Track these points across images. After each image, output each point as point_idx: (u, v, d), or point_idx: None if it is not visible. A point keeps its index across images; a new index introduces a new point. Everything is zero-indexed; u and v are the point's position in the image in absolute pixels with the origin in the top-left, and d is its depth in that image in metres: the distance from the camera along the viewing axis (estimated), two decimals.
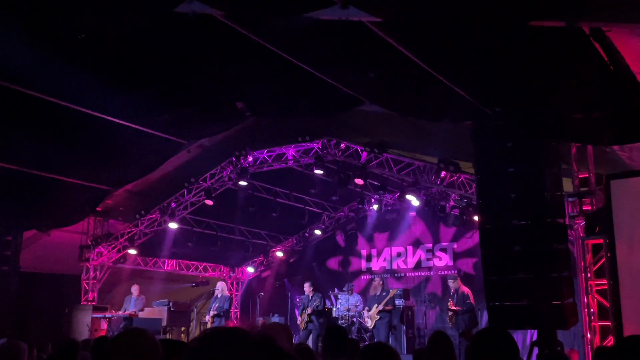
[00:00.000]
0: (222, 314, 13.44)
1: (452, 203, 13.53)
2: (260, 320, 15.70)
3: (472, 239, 14.73)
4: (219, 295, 13.49)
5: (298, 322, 14.01)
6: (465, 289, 12.60)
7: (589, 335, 8.98)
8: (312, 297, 13.73)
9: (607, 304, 8.75)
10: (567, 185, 9.23)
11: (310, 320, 13.51)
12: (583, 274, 9.18)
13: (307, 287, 14.09)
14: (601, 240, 8.96)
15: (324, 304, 13.98)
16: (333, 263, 17.84)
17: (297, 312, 14.52)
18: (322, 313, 13.71)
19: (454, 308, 12.35)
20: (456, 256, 15.69)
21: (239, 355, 1.31)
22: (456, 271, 15.27)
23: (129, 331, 2.80)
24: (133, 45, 7.59)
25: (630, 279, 8.28)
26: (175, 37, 7.32)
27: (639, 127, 7.19)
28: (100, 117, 9.78)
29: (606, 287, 8.79)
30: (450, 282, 12.83)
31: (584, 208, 9.27)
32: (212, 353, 1.32)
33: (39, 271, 14.44)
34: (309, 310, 13.54)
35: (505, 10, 5.62)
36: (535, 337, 8.06)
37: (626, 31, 5.73)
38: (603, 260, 8.93)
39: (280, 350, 1.36)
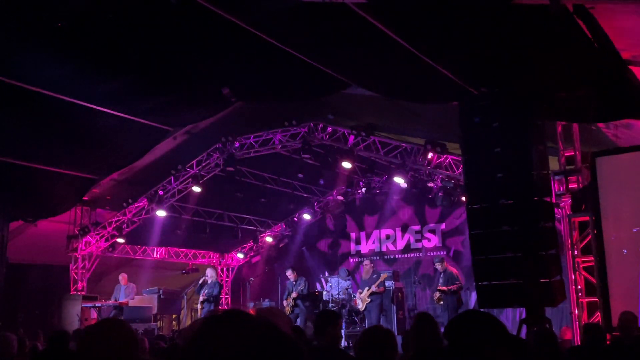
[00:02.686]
0: (211, 299, 13.45)
1: (439, 184, 13.58)
2: (251, 305, 15.74)
3: (460, 218, 14.82)
4: (208, 281, 13.49)
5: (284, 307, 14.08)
6: (454, 270, 12.68)
7: (576, 311, 9.08)
8: (296, 281, 13.77)
9: (594, 281, 8.85)
10: (554, 163, 9.28)
11: (295, 305, 13.58)
12: (570, 252, 9.27)
13: (289, 273, 14.14)
14: (587, 218, 9.04)
15: (309, 287, 14.02)
16: (323, 247, 17.89)
17: (284, 301, 14.56)
18: (308, 297, 13.77)
19: (440, 288, 12.43)
20: (445, 236, 15.79)
21: (246, 339, 1.28)
22: (444, 252, 15.39)
23: (104, 322, 2.77)
24: (115, 32, 7.50)
25: (616, 254, 8.37)
26: (158, 22, 7.24)
27: (624, 104, 7.23)
28: (84, 105, 9.67)
29: (593, 264, 8.88)
30: (437, 264, 12.90)
31: (570, 186, 9.33)
32: (217, 340, 1.29)
33: (27, 262, 14.37)
34: (294, 295, 13.60)
35: None
36: (524, 315, 8.14)
37: (610, 8, 5.73)
38: (590, 237, 9.01)
39: (285, 335, 1.33)
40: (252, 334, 1.29)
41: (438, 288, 12.52)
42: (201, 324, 1.33)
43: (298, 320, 13.51)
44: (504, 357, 2.34)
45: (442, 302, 12.38)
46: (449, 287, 12.31)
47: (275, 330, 1.31)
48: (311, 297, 14.16)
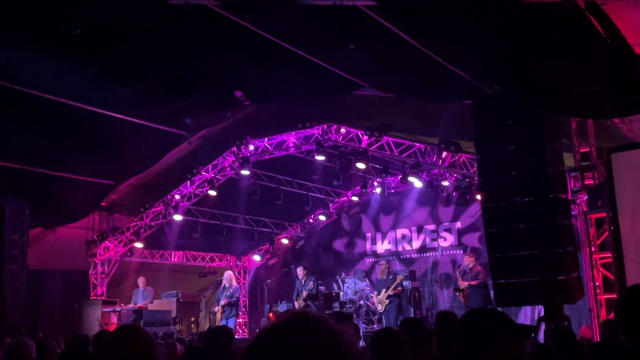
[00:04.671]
0: (232, 303, 13.53)
1: (454, 183, 13.54)
2: (267, 308, 15.78)
3: (475, 216, 14.76)
4: (227, 285, 13.55)
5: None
6: (479, 267, 12.54)
7: (595, 308, 9.03)
8: (305, 281, 13.74)
9: (612, 277, 8.79)
10: (569, 160, 9.23)
11: (306, 305, 13.56)
12: (587, 248, 9.22)
13: (300, 271, 14.06)
14: (604, 214, 8.98)
15: (317, 286, 13.99)
16: (338, 247, 17.90)
17: (296, 303, 14.54)
18: (317, 296, 13.74)
19: (463, 283, 12.31)
20: (460, 234, 15.73)
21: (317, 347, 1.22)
22: (461, 250, 15.33)
23: (123, 327, 2.82)
24: (129, 39, 7.59)
25: (633, 251, 8.31)
26: (170, 28, 7.32)
27: (637, 99, 7.18)
28: (100, 112, 9.79)
29: (610, 260, 8.82)
30: (465, 259, 12.82)
31: (586, 182, 9.27)
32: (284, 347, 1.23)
33: (47, 268, 14.52)
34: (305, 294, 13.60)
35: None
36: (543, 313, 8.11)
37: (621, 4, 5.71)
38: (607, 233, 8.96)
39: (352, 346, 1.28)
40: (323, 342, 1.24)
41: (460, 283, 12.39)
42: (270, 328, 1.29)
43: None
44: (515, 345, 2.37)
45: (465, 299, 12.23)
46: (471, 282, 12.18)
47: (346, 338, 1.26)
48: (324, 297, 14.14)
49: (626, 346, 2.70)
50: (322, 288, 14.86)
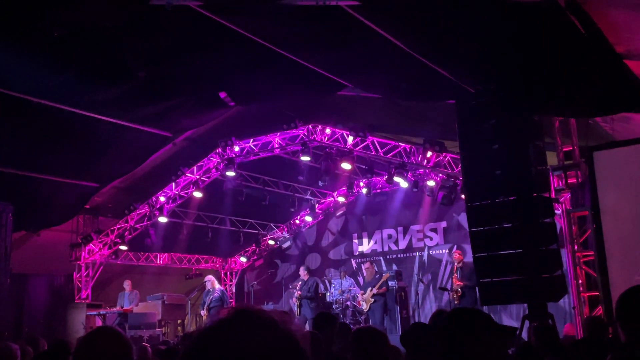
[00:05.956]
0: (218, 306, 13.50)
1: (439, 183, 13.60)
2: None
3: (460, 214, 14.84)
4: (210, 289, 13.51)
5: (293, 310, 14.08)
6: (472, 265, 12.50)
7: (578, 306, 9.11)
8: (306, 281, 13.79)
9: (594, 275, 8.87)
10: (552, 158, 9.31)
11: (301, 305, 13.59)
12: (570, 246, 9.29)
13: (302, 271, 14.10)
14: (587, 212, 9.07)
15: (316, 288, 14.02)
16: (325, 248, 17.91)
17: (291, 301, 14.55)
18: (315, 298, 13.77)
19: (459, 282, 12.28)
20: (446, 232, 15.79)
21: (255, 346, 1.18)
22: (446, 249, 15.39)
23: (98, 330, 2.75)
24: (111, 40, 7.55)
25: (615, 248, 8.39)
26: (153, 30, 7.29)
27: (619, 98, 7.26)
28: (83, 114, 9.74)
29: (593, 258, 8.90)
30: (454, 256, 12.84)
31: (569, 181, 9.36)
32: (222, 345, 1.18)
33: (31, 272, 14.39)
34: (298, 294, 13.62)
35: None
36: (527, 311, 8.16)
37: (602, 3, 5.77)
38: (589, 231, 9.04)
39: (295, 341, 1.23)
40: (263, 339, 1.19)
41: (455, 283, 12.33)
42: (209, 326, 1.23)
43: (307, 323, 13.53)
44: (496, 346, 2.38)
45: (464, 298, 12.12)
46: (466, 282, 12.11)
47: (289, 334, 1.22)
48: (319, 299, 14.17)
49: (618, 343, 2.75)
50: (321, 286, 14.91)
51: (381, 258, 16.71)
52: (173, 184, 14.29)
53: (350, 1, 5.91)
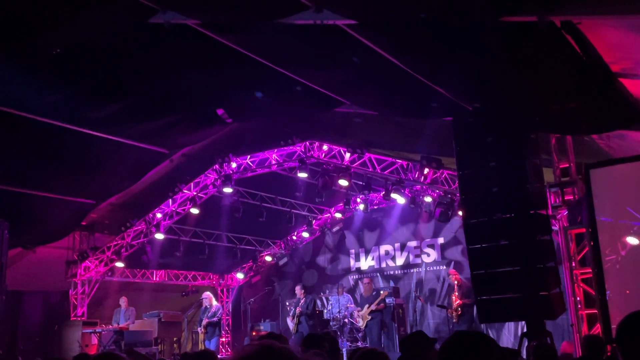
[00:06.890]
0: (214, 323, 13.43)
1: (437, 199, 13.61)
2: (250, 326, 15.67)
3: (457, 230, 14.84)
4: (207, 306, 13.44)
5: (290, 328, 14.02)
6: (469, 284, 12.51)
7: (576, 323, 9.07)
8: (303, 300, 13.75)
9: (592, 292, 8.84)
10: (549, 175, 9.32)
11: (299, 322, 13.53)
12: (568, 263, 9.28)
13: (298, 290, 14.07)
14: (584, 230, 9.06)
15: (314, 306, 13.98)
16: (322, 264, 17.87)
17: (288, 319, 14.47)
18: (313, 315, 13.72)
19: (459, 301, 12.24)
20: (443, 248, 15.77)
21: None
22: (444, 266, 15.37)
23: (102, 355, 2.74)
24: (109, 57, 7.56)
25: (613, 266, 8.38)
26: (151, 47, 7.31)
27: (615, 115, 7.30)
28: (80, 130, 9.72)
29: (591, 275, 8.88)
30: (451, 278, 12.81)
31: (566, 198, 9.36)
32: None
33: (26, 289, 14.30)
34: (298, 311, 13.56)
35: (478, 7, 5.68)
36: (525, 329, 8.13)
37: (596, 22, 5.81)
38: (587, 249, 9.03)
39: None
40: None
41: (458, 301, 12.29)
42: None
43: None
44: None
45: (463, 316, 12.14)
46: (465, 301, 12.09)
47: None
48: (317, 316, 14.11)
49: None
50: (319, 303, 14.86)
51: (378, 275, 16.67)
52: (170, 200, 14.27)
53: (348, 20, 5.95)
